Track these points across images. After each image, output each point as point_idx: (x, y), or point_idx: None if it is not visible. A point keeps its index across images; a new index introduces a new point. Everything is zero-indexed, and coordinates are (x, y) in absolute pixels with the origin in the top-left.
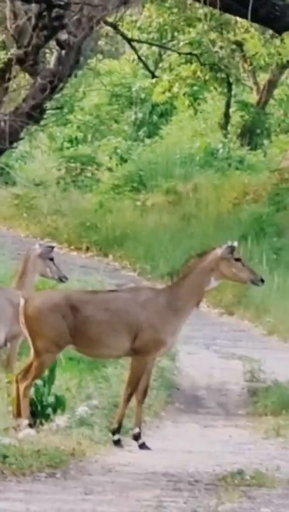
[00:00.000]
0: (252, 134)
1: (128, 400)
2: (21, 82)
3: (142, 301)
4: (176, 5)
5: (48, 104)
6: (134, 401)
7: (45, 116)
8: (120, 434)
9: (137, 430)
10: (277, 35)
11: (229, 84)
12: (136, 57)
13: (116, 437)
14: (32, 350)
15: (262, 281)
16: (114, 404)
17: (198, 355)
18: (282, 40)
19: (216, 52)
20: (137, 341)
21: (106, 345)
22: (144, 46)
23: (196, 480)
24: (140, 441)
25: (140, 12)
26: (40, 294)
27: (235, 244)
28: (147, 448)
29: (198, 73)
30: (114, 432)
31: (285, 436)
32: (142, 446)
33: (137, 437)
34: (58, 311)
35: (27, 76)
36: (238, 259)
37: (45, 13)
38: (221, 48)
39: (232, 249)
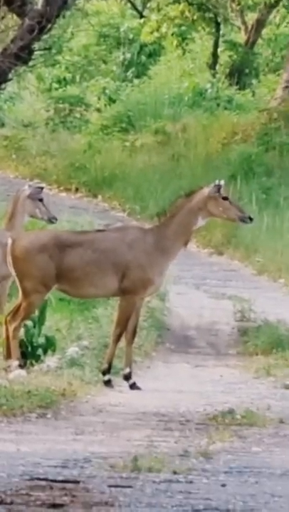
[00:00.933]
0: (240, 74)
1: (117, 340)
2: (9, 23)
3: (130, 241)
4: None
5: (36, 45)
6: (124, 341)
7: (33, 57)
8: (111, 375)
9: (127, 370)
10: None
11: (217, 24)
12: None
13: (106, 377)
14: (20, 291)
15: (250, 219)
16: (105, 345)
17: (188, 295)
18: None
19: None
20: (125, 281)
21: (93, 285)
22: None
23: (186, 420)
24: (131, 382)
25: None
26: (27, 235)
27: (222, 182)
28: (138, 388)
29: (186, 13)
30: (104, 373)
31: (276, 375)
32: (133, 386)
33: (127, 377)
34: (46, 251)
35: (15, 17)
36: (225, 198)
37: None
38: None
39: (218, 187)
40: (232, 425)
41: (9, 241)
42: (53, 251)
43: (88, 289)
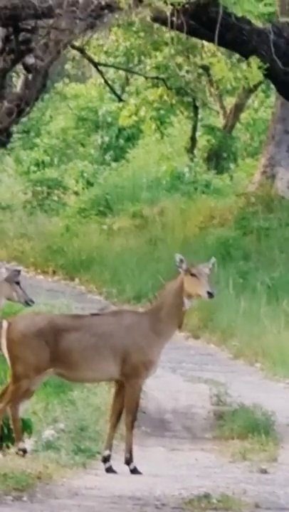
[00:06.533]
0: (218, 158)
1: (132, 427)
2: None
3: (127, 325)
4: (143, 29)
5: (14, 128)
6: (106, 423)
7: (12, 139)
8: (86, 458)
9: (106, 453)
10: (243, 59)
11: (196, 108)
12: (102, 81)
13: (132, 467)
14: (11, 375)
15: (211, 295)
16: (81, 428)
17: (165, 378)
18: (248, 65)
19: (183, 76)
20: (125, 365)
21: (91, 369)
22: (111, 70)
23: (162, 503)
24: (108, 465)
25: (107, 36)
26: (23, 318)
27: (214, 260)
28: (114, 471)
29: (165, 97)
30: (128, 463)
31: (252, 459)
32: (109, 469)
33: (106, 460)
34: (42, 336)
35: None
36: (193, 275)
37: (12, 37)
38: (187, 71)
39: (191, 264)
40: (208, 509)
41: (5, 324)
42: (49, 335)
43: (86, 373)
